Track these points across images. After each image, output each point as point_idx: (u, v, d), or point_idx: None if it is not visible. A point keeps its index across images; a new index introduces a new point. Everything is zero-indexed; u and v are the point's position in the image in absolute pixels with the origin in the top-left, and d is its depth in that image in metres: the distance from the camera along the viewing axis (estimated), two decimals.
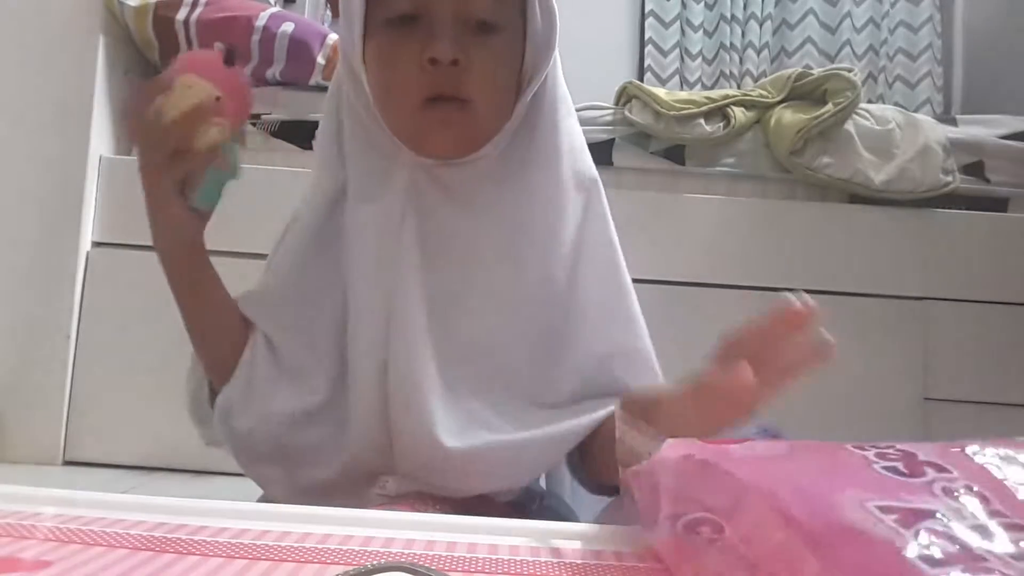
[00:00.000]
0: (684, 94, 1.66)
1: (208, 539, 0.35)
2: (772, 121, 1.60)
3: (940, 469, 0.30)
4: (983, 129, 1.66)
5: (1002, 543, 0.25)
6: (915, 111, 2.09)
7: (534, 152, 0.66)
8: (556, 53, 0.67)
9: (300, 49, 1.60)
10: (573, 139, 0.69)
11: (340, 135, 0.67)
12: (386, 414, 0.62)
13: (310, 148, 1.46)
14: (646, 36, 2.54)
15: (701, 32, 2.54)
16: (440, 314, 0.63)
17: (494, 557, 0.35)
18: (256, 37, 1.59)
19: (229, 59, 0.62)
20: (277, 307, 0.66)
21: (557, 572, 0.34)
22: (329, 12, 2.26)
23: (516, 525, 0.40)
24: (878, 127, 1.61)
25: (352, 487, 0.63)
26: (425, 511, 0.55)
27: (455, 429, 0.60)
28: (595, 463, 0.63)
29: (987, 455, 0.31)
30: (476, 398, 0.62)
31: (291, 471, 0.64)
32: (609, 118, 1.65)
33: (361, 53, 0.64)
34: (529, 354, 0.64)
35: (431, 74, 0.59)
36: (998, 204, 1.62)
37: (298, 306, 0.66)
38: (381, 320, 0.63)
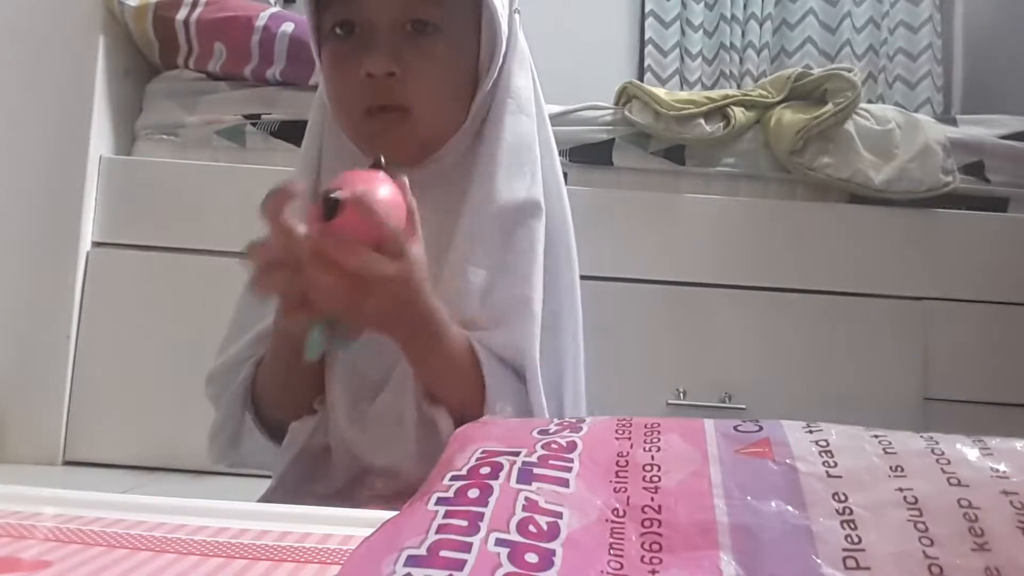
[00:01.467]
0: (684, 94, 1.66)
1: (208, 539, 0.35)
2: (772, 121, 1.60)
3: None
4: (983, 129, 1.66)
5: None
6: (915, 111, 2.09)
7: (493, 150, 0.65)
8: (520, 44, 0.66)
9: (300, 49, 1.59)
10: (524, 142, 0.66)
11: (322, 142, 0.67)
12: (355, 404, 0.63)
13: None
14: (646, 36, 2.53)
15: (701, 32, 2.54)
16: None
17: None
18: (256, 37, 1.59)
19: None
20: None
21: None
22: None
23: None
24: (878, 127, 1.61)
25: (339, 492, 0.63)
26: None
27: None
28: None
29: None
30: None
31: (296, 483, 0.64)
32: (609, 118, 1.64)
33: (319, 59, 0.64)
34: None
35: (369, 86, 0.59)
36: (998, 204, 1.62)
37: None
38: None
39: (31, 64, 1.55)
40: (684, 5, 2.55)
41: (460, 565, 0.22)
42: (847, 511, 0.24)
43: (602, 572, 0.23)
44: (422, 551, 0.23)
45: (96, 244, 1.56)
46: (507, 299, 0.63)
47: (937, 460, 0.25)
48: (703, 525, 0.24)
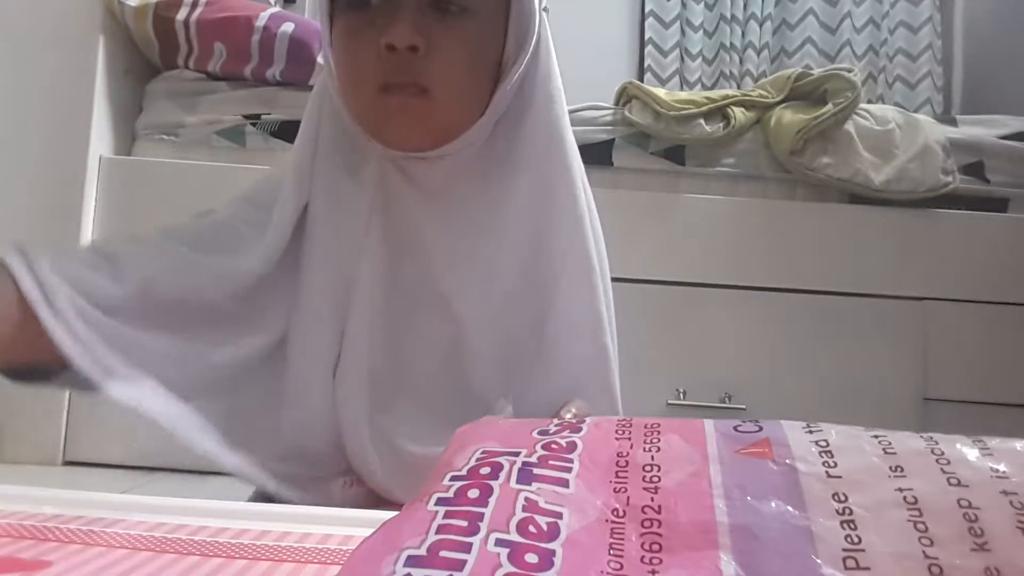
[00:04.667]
0: (684, 94, 1.66)
1: (208, 539, 0.35)
2: (772, 121, 1.60)
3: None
4: (983, 129, 1.66)
5: None
6: (915, 111, 2.09)
7: (519, 150, 0.61)
8: (550, 44, 0.62)
9: (300, 49, 1.60)
10: (565, 138, 0.64)
11: (318, 133, 0.64)
12: (336, 412, 0.60)
13: None
14: (646, 36, 2.54)
15: (701, 32, 2.54)
16: (400, 316, 0.60)
17: None
18: (256, 37, 1.59)
19: None
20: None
21: None
22: None
23: None
24: (878, 127, 1.61)
25: (307, 480, 0.60)
26: None
27: (411, 435, 0.58)
28: None
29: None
30: (417, 406, 0.60)
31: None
32: (609, 118, 1.65)
33: (329, 35, 0.60)
34: (487, 374, 0.60)
35: (388, 61, 0.54)
36: (998, 204, 1.62)
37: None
38: (337, 317, 0.60)
39: (31, 64, 1.55)
40: (684, 5, 2.55)
41: (460, 565, 0.22)
42: (847, 511, 0.24)
43: (602, 572, 0.23)
44: (422, 551, 0.23)
45: None
46: (583, 357, 0.62)
47: (937, 460, 0.25)
48: (703, 525, 0.24)
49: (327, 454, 0.61)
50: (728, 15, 2.54)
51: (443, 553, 0.22)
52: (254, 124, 1.61)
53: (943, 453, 0.25)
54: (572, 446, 0.28)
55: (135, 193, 1.57)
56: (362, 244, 0.61)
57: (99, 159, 1.57)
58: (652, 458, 0.27)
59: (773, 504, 0.24)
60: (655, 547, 0.24)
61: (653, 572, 0.23)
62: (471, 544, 0.23)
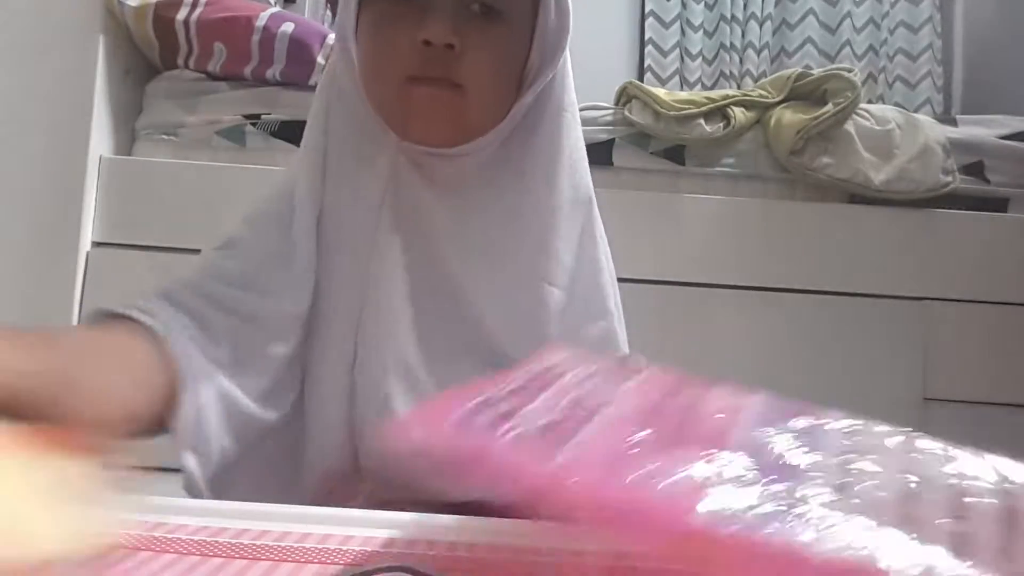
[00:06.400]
0: (684, 94, 1.66)
1: (208, 539, 0.35)
2: (772, 121, 1.60)
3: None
4: (983, 129, 1.66)
5: None
6: (915, 111, 2.09)
7: (531, 158, 0.62)
8: (567, 57, 0.63)
9: (300, 49, 1.60)
10: (575, 151, 0.65)
11: (328, 128, 0.63)
12: (352, 415, 0.59)
13: None
14: (646, 36, 2.54)
15: (701, 32, 2.54)
16: (414, 309, 0.60)
17: (494, 557, 0.35)
18: (256, 37, 1.59)
19: None
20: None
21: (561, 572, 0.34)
22: (329, 12, 2.27)
23: (517, 525, 0.40)
24: (878, 127, 1.61)
25: (317, 499, 0.60)
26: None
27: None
28: None
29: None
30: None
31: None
32: (609, 118, 1.65)
33: (355, 26, 0.60)
34: (503, 364, 0.61)
35: (422, 54, 0.55)
36: (998, 204, 1.62)
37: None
38: (352, 314, 0.60)
39: (31, 64, 1.55)
40: (684, 5, 2.55)
41: (529, 402, 0.35)
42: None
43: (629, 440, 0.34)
44: (498, 395, 0.37)
45: (96, 244, 1.56)
46: (591, 339, 0.63)
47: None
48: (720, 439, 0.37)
49: (334, 464, 0.60)
50: (728, 15, 2.54)
51: (513, 399, 0.35)
52: (254, 124, 1.61)
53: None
54: (636, 371, 0.42)
55: (135, 193, 1.57)
56: (375, 238, 0.61)
57: (99, 159, 1.57)
58: (686, 400, 0.41)
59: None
60: (673, 441, 0.35)
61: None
62: (537, 397, 0.36)
